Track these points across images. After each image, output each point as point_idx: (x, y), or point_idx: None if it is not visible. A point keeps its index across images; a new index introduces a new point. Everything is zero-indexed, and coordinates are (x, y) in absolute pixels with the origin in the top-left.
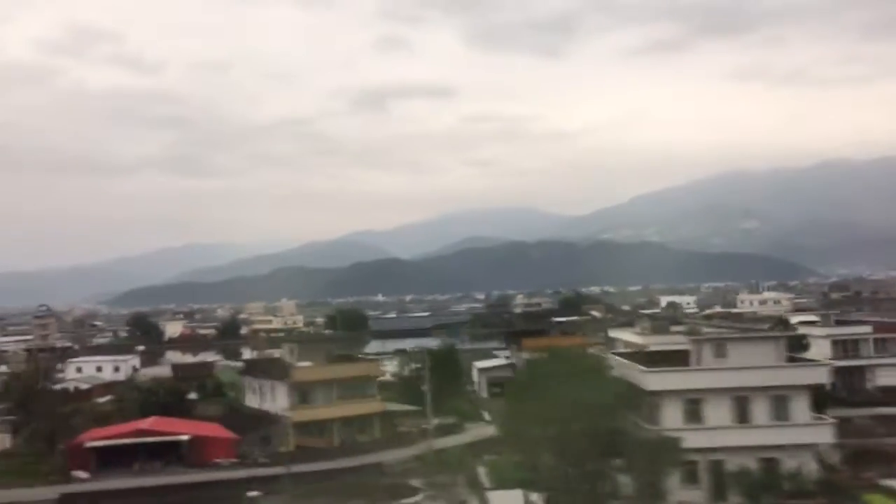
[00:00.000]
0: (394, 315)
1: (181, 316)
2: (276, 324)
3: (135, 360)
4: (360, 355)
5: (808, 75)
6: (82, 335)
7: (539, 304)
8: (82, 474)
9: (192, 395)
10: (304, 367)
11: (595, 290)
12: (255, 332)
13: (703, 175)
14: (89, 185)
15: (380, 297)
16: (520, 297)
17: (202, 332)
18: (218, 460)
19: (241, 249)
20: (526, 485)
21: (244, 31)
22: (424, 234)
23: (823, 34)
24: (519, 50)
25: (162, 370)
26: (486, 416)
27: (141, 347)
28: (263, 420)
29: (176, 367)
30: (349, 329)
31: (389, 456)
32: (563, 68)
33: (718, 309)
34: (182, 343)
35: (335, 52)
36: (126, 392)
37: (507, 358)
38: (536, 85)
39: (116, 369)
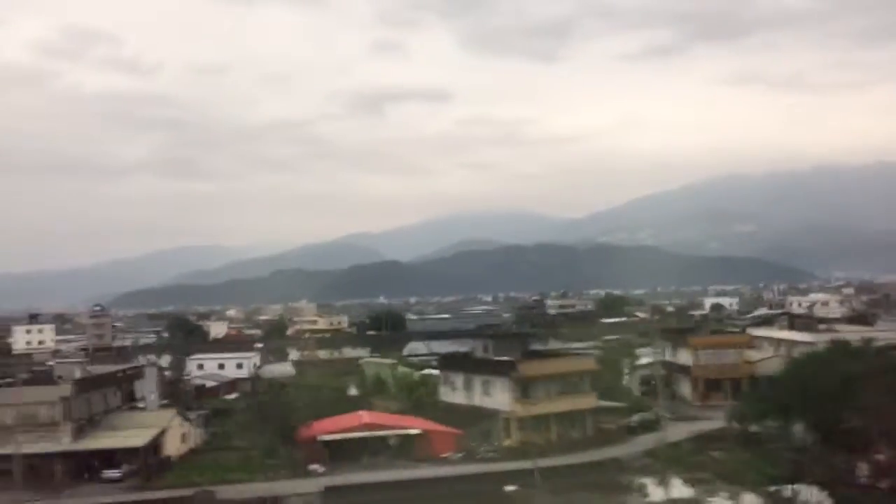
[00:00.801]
0: (415, 317)
1: (194, 318)
2: (322, 324)
3: (256, 358)
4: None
5: (804, 81)
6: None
7: (573, 306)
8: (318, 468)
9: (353, 391)
10: (529, 363)
11: (600, 292)
12: (302, 332)
13: (698, 179)
14: (84, 188)
15: (381, 300)
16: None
17: (248, 332)
18: (445, 455)
19: (234, 252)
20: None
21: (241, 35)
22: (419, 237)
23: (819, 40)
24: (515, 54)
25: (283, 367)
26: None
27: (259, 345)
28: (478, 415)
29: (303, 364)
30: (391, 330)
31: (613, 452)
32: (559, 73)
33: (764, 311)
34: (228, 344)
35: (332, 55)
36: (278, 388)
37: (656, 355)
38: (532, 89)
39: (239, 366)
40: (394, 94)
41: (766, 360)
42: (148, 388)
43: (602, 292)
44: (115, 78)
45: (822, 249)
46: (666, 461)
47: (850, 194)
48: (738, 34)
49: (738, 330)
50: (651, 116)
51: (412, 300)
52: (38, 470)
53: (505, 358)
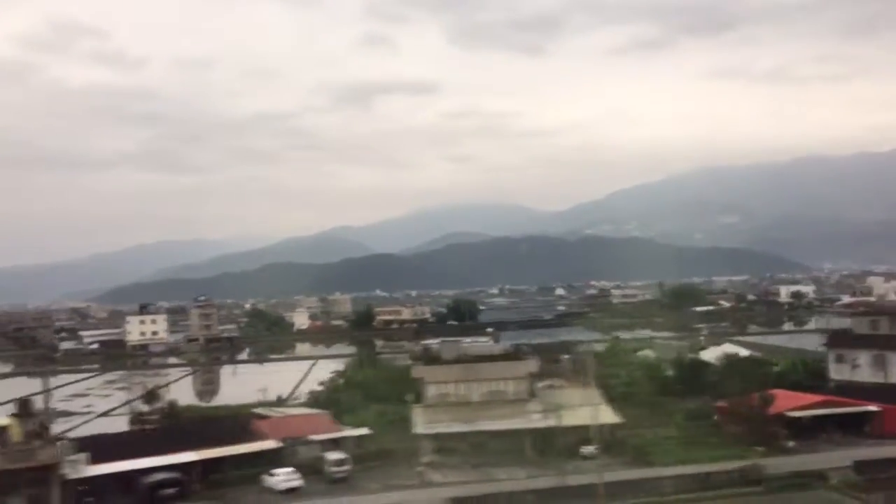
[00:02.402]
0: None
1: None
2: (407, 315)
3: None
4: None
5: (787, 74)
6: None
7: (634, 296)
8: (792, 444)
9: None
10: None
11: (606, 283)
12: (388, 322)
13: (681, 171)
14: (65, 182)
15: (378, 293)
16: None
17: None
18: None
19: (216, 246)
20: None
21: (228, 28)
22: (404, 230)
23: (801, 34)
24: (502, 48)
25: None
26: None
27: (490, 329)
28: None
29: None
30: (469, 319)
31: None
32: (545, 66)
33: (848, 298)
34: (314, 334)
35: (319, 48)
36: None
37: None
38: (518, 82)
39: None
40: (380, 87)
41: None
42: None
43: (608, 283)
44: (99, 71)
45: (804, 240)
46: None
47: (831, 186)
48: (722, 29)
49: None
50: (636, 109)
51: (413, 293)
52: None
53: None
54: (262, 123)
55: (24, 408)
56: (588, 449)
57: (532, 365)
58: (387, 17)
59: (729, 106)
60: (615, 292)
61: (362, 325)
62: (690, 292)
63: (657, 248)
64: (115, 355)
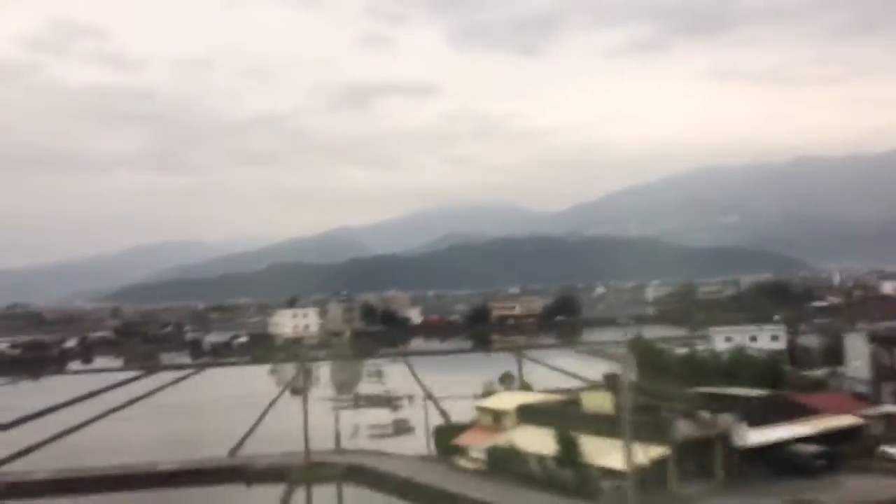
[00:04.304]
0: None
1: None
2: (519, 310)
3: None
4: None
5: (784, 75)
6: None
7: (720, 291)
8: None
9: None
10: None
11: (627, 282)
12: (503, 318)
13: (679, 171)
14: (65, 183)
15: (391, 293)
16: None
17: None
18: None
19: (215, 247)
20: None
21: (227, 29)
22: (403, 230)
23: (799, 35)
24: (500, 48)
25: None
26: None
27: (777, 317)
28: None
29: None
30: (572, 315)
31: None
32: (544, 67)
33: None
34: (428, 330)
35: (318, 49)
36: None
37: None
38: (516, 83)
39: (774, 338)
40: (379, 87)
41: None
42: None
43: (629, 283)
44: (100, 72)
45: (803, 240)
46: None
47: (828, 186)
48: (719, 30)
49: None
50: (634, 110)
51: (430, 293)
52: None
53: None
54: (261, 125)
55: (612, 382)
56: None
57: None
58: (385, 18)
59: (727, 106)
60: (701, 289)
61: (479, 320)
62: (784, 287)
63: (663, 247)
64: (268, 348)
